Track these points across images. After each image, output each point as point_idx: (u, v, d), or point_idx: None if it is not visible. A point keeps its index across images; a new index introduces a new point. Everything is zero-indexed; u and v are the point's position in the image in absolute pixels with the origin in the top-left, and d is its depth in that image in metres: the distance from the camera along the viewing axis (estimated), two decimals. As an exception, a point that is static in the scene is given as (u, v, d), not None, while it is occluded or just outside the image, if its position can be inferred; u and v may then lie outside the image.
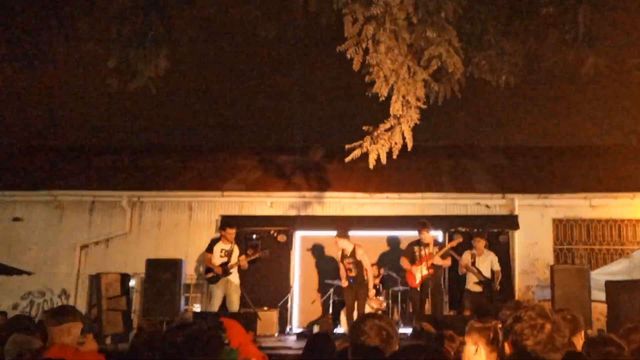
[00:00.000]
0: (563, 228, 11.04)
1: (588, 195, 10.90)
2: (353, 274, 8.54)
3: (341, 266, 8.73)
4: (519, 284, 10.59)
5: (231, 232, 9.22)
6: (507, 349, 2.14)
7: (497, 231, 10.42)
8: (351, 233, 8.96)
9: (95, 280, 9.39)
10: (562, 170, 12.41)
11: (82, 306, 10.89)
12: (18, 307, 11.18)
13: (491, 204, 11.14)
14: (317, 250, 11.15)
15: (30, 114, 16.59)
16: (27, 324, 4.56)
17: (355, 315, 8.48)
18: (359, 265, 8.57)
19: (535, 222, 10.93)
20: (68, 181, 12.35)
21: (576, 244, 10.96)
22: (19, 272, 10.31)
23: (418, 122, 7.27)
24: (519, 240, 10.79)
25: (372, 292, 8.81)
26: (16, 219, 11.72)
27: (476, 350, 2.72)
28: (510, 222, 10.77)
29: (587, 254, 10.88)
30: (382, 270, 9.95)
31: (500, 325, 2.73)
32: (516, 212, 10.89)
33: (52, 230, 11.64)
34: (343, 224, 9.57)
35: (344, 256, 8.68)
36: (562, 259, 10.84)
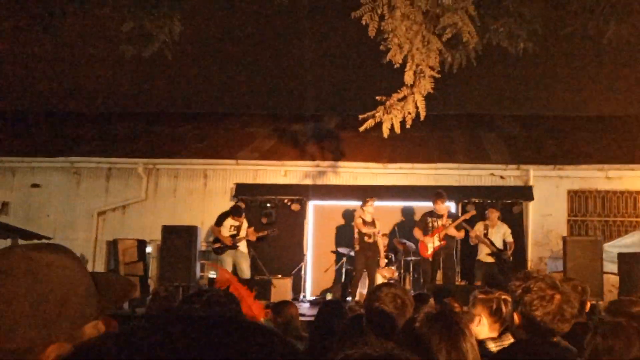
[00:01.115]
0: (578, 199, 10.98)
1: (604, 167, 10.80)
2: (371, 240, 8.79)
3: (374, 232, 8.85)
4: (532, 255, 10.61)
5: (240, 220, 9.15)
6: (516, 319, 2.15)
7: (511, 202, 10.38)
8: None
9: (112, 246, 9.58)
10: (578, 141, 12.28)
11: (101, 271, 11.15)
12: (38, 271, 11.46)
13: (505, 174, 11.08)
14: (330, 219, 11.23)
15: (46, 81, 16.67)
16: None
17: (366, 282, 8.68)
18: (376, 234, 8.88)
19: (550, 194, 10.88)
20: (85, 148, 12.48)
21: (590, 216, 10.92)
22: (38, 237, 10.51)
23: (432, 91, 7.22)
24: (533, 212, 10.77)
25: (383, 261, 8.96)
26: (35, 186, 11.92)
27: (479, 321, 2.76)
28: (525, 193, 10.72)
29: (602, 226, 10.83)
30: (389, 240, 10.01)
31: (504, 297, 2.76)
32: (531, 183, 10.83)
33: (70, 197, 11.83)
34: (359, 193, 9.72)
35: (365, 222, 8.87)
36: (576, 230, 10.81)
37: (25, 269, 0.93)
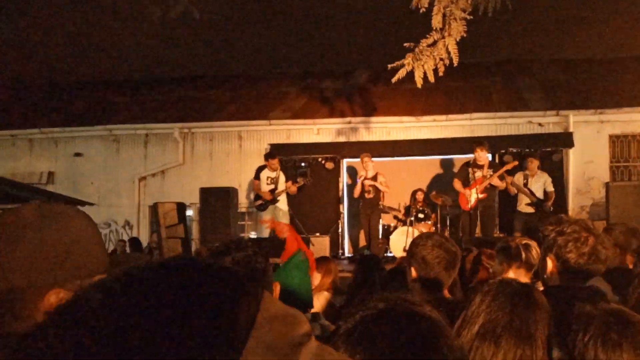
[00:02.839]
0: (620, 144, 10.64)
1: (648, 109, 10.38)
2: (371, 195, 9.10)
3: (359, 185, 9.27)
4: (573, 204, 10.40)
5: (274, 163, 9.26)
6: (550, 263, 2.13)
7: (551, 150, 10.13)
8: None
9: (153, 210, 9.85)
10: (619, 84, 11.76)
11: (145, 235, 11.53)
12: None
13: (544, 121, 10.78)
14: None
15: (81, 53, 16.92)
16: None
17: (371, 234, 9.19)
18: (377, 189, 9.16)
19: (591, 139, 10.57)
20: (122, 116, 12.73)
21: (634, 161, 10.58)
22: (82, 203, 10.89)
23: (465, 35, 6.93)
24: (574, 159, 10.50)
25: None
26: (77, 154, 12.29)
27: (503, 270, 2.77)
28: (565, 140, 10.43)
29: (646, 171, 10.51)
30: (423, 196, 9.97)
31: (524, 242, 2.73)
32: (571, 130, 10.52)
33: (111, 164, 12.17)
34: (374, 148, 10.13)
35: (365, 178, 9.21)
36: (619, 176, 10.52)
37: (37, 214, 1.01)
